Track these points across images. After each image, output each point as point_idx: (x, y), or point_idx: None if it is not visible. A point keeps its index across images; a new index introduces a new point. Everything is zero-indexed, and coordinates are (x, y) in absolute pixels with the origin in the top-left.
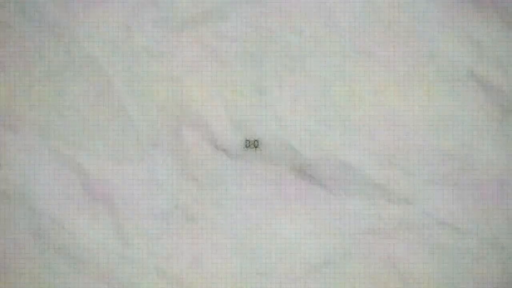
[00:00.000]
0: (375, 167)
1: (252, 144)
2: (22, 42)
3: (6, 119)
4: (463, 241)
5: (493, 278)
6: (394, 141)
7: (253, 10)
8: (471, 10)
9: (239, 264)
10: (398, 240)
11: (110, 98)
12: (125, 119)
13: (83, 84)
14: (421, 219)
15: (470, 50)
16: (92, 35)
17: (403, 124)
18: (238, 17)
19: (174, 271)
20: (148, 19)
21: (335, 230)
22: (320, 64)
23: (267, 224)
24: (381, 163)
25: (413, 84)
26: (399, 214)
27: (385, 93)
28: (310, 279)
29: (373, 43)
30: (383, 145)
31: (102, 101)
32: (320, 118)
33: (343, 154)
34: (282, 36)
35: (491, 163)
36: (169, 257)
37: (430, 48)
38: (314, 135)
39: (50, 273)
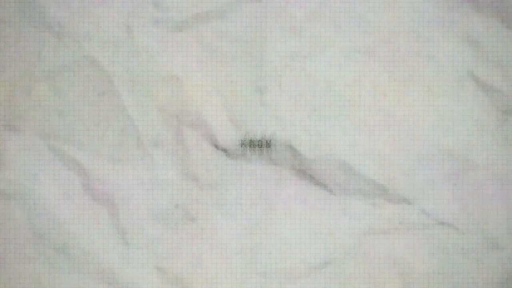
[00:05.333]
0: (375, 167)
1: (252, 144)
2: (22, 42)
3: (6, 119)
4: (463, 241)
5: (493, 278)
6: (394, 141)
7: (253, 10)
8: (471, 10)
9: (239, 264)
10: (398, 240)
11: (110, 98)
12: (125, 119)
13: (83, 84)
14: (421, 219)
15: (470, 50)
16: (92, 35)
17: (403, 124)
18: (238, 17)
19: (174, 271)
20: (148, 19)
21: (335, 230)
22: (320, 64)
23: (267, 224)
24: (381, 163)
25: (413, 84)
26: (399, 214)
27: (385, 93)
28: (310, 279)
29: (373, 43)
30: (383, 145)
31: (102, 101)
32: (320, 118)
33: (343, 154)
34: (282, 36)
35: (491, 163)
36: (169, 257)
37: (430, 48)
38: (314, 135)
39: (50, 273)
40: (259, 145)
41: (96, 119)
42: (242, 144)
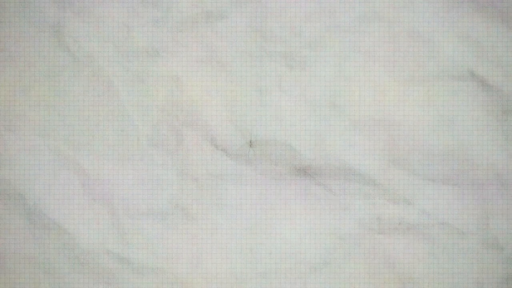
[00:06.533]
0: (375, 167)
1: (252, 144)
2: (22, 42)
3: (6, 119)
4: (463, 241)
5: (493, 278)
6: (394, 141)
7: (253, 10)
8: (471, 10)
9: (239, 264)
10: (398, 240)
11: (110, 98)
12: (125, 119)
13: (83, 84)
14: (421, 219)
15: (470, 50)
16: (92, 35)
17: (403, 124)
18: (238, 17)
19: (174, 271)
20: (148, 19)
21: (335, 230)
22: (320, 64)
23: (267, 224)
24: (381, 163)
25: (413, 84)
26: (399, 214)
27: (385, 93)
28: (310, 279)
29: (373, 43)
30: (383, 145)
31: (102, 101)
32: (320, 118)
33: (343, 154)
34: (282, 36)
35: (491, 163)
36: (169, 257)
37: (430, 48)
38: (314, 135)
39: (50, 273)
40: (258, 145)
41: (96, 119)
42: (242, 144)
